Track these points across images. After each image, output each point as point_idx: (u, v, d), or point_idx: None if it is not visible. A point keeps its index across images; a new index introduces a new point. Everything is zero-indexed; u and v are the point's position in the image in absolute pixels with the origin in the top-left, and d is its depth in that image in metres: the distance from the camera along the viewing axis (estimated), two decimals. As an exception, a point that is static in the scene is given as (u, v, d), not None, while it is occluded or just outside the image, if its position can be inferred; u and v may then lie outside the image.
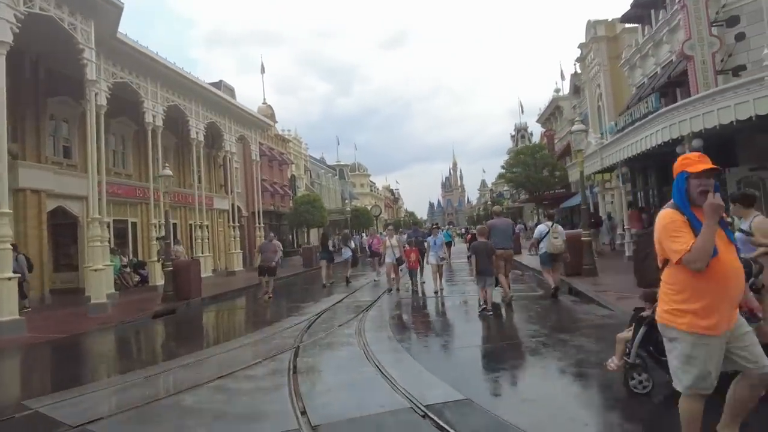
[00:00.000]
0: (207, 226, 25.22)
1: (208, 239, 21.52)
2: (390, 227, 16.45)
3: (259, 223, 26.61)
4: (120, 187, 18.93)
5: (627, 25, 22.66)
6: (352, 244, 17.88)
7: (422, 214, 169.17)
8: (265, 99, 34.54)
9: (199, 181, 21.90)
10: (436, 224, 15.46)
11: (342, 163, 58.87)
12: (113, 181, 18.72)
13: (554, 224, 10.15)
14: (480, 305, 8.96)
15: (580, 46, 26.72)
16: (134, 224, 20.02)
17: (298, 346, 7.22)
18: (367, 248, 17.90)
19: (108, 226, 18.55)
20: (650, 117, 12.32)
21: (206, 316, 12.63)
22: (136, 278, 18.89)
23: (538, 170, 21.90)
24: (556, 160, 24.49)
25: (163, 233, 15.53)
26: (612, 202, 25.51)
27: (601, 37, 23.92)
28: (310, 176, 45.71)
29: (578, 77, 31.29)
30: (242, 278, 20.80)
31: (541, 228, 10.31)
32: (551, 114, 38.20)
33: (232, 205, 25.31)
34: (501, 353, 6.54)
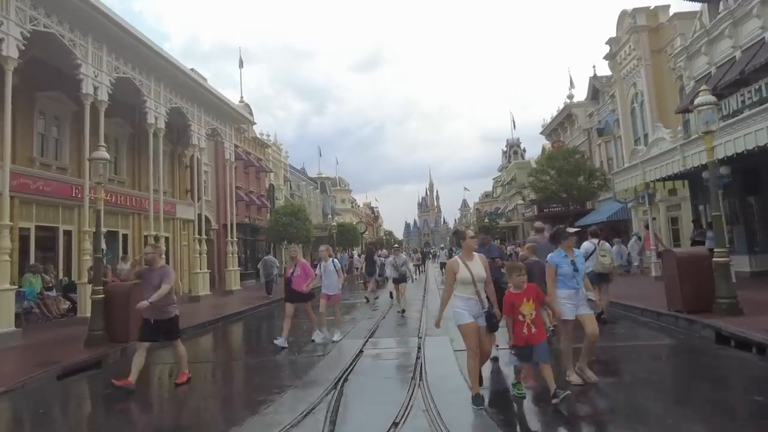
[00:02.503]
0: (167, 239, 20.57)
1: (167, 255, 16.84)
2: (480, 233, 8.48)
3: (232, 237, 22.02)
4: (48, 183, 14.26)
5: (676, 11, 19.42)
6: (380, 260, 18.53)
7: (398, 234, 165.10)
8: (242, 97, 30.16)
9: (155, 182, 17.30)
10: (574, 228, 7.50)
11: (324, 175, 54.48)
12: (38, 174, 14.11)
13: (600, 241, 9.25)
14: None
15: (610, 41, 23.42)
16: (67, 233, 15.27)
17: None
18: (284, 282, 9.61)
19: (28, 234, 13.95)
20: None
21: (147, 377, 8.06)
22: (65, 305, 14.10)
23: (573, 176, 18.21)
24: (592, 166, 20.91)
25: (101, 245, 10.86)
26: (654, 219, 21.90)
27: (641, 27, 20.63)
28: (290, 187, 41.22)
29: (599, 80, 28.09)
30: (208, 306, 16.17)
31: (587, 245, 9.21)
32: (559, 124, 35.01)
33: (199, 214, 20.74)
34: None
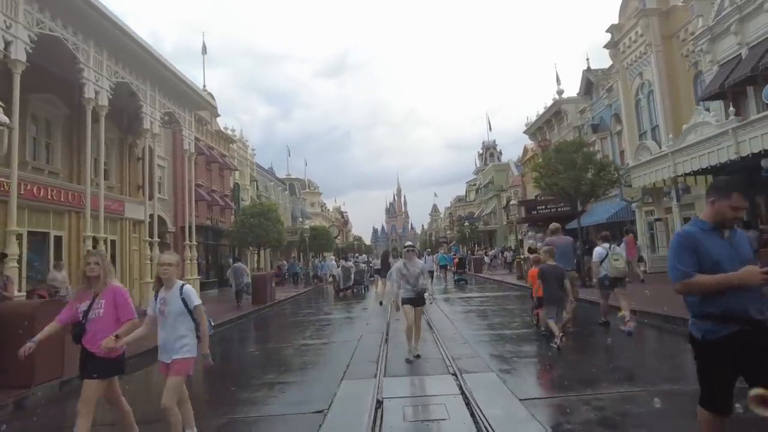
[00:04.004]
0: (113, 242, 17.50)
1: (113, 260, 13.71)
2: None
3: (190, 241, 19.00)
4: (-52, 170, 11.06)
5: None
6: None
7: (366, 239, 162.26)
8: (204, 86, 27.03)
9: (96, 174, 14.25)
10: None
11: (293, 176, 51.33)
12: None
13: (612, 246, 9.14)
14: (555, 341, 7.32)
15: (611, 28, 21.67)
16: (-24, 234, 12.03)
17: None
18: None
19: None
20: None
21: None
22: (-31, 326, 10.89)
23: (584, 171, 16.20)
24: (603, 159, 18.91)
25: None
26: (659, 220, 20.13)
27: (651, 10, 18.86)
28: (257, 188, 38.08)
29: (593, 72, 26.41)
30: (160, 323, 13.21)
31: (600, 250, 9.16)
32: (546, 122, 33.29)
33: (152, 214, 17.69)
34: None
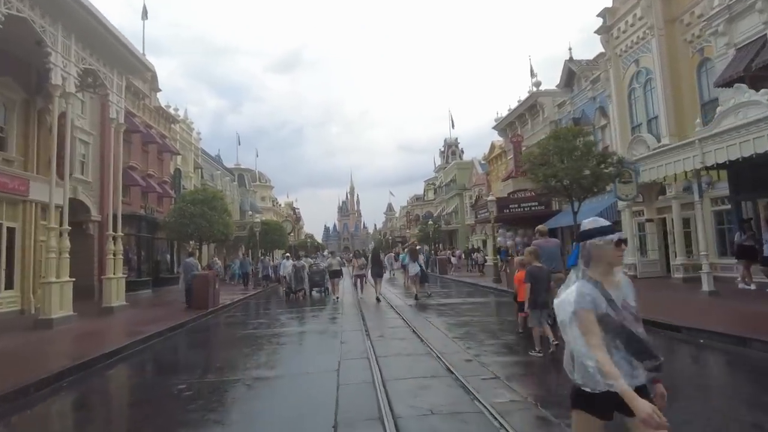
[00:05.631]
0: (11, 230, 14.05)
1: (9, 252, 10.42)
2: None
3: (115, 231, 15.60)
4: None
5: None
6: (422, 259, 17.17)
7: (317, 237, 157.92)
8: (144, 52, 23.31)
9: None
10: None
11: (243, 166, 47.42)
12: None
13: None
14: (536, 349, 7.10)
15: (604, 12, 19.88)
16: None
17: None
18: None
19: None
20: None
21: None
22: None
23: (584, 161, 14.17)
24: (602, 150, 16.91)
25: None
26: (648, 221, 18.46)
27: (654, -10, 17.13)
28: (202, 176, 34.27)
29: (576, 63, 24.72)
30: (65, 339, 9.97)
31: None
32: (518, 117, 31.52)
33: (64, 197, 14.19)
34: None
